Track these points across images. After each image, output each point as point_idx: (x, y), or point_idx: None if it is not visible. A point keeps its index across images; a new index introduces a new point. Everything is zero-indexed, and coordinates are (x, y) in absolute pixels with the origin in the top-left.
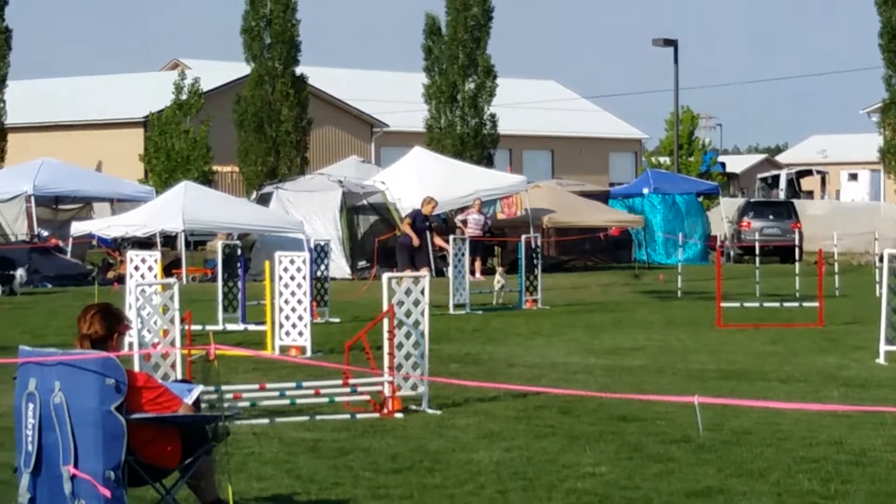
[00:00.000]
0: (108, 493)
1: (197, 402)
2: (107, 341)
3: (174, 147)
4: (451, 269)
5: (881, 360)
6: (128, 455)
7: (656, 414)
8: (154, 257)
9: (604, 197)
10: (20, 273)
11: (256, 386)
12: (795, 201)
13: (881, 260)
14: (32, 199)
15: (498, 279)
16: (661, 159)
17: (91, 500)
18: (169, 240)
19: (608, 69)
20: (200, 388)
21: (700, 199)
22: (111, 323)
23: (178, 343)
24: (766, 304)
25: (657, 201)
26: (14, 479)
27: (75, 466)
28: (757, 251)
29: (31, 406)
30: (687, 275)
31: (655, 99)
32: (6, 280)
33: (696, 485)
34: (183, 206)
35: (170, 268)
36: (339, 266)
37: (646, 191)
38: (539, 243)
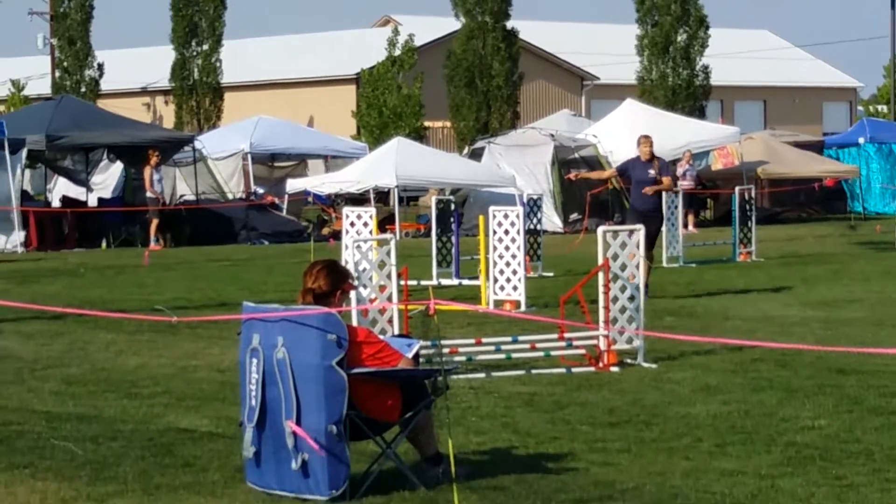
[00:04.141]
0: (320, 451)
1: (416, 357)
2: (329, 297)
3: (386, 103)
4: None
5: None
6: (349, 409)
7: (876, 367)
8: (369, 213)
9: (818, 147)
10: None
11: (472, 340)
12: None
13: None
14: (249, 156)
15: None
16: (879, 108)
17: (313, 454)
18: (382, 196)
19: (822, 16)
20: (420, 342)
21: None
22: (336, 279)
23: (395, 298)
24: None
25: (873, 151)
26: (239, 433)
27: (298, 420)
28: None
29: (254, 361)
30: None
31: (871, 46)
32: None
33: None
34: (396, 162)
35: (383, 223)
36: (550, 220)
37: (861, 140)
38: (753, 195)
